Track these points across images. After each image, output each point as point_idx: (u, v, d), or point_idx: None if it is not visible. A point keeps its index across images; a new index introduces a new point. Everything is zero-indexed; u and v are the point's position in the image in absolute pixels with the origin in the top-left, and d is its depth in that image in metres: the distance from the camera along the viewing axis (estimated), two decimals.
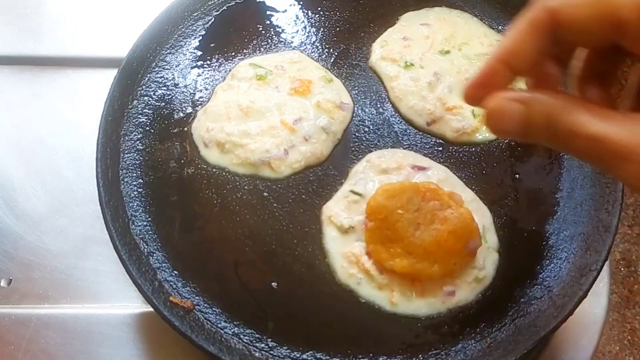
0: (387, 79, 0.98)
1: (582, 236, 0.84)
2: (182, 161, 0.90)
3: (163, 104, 0.95)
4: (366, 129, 0.94)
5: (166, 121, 0.93)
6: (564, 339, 0.90)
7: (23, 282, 0.90)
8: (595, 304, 0.92)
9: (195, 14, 1.03)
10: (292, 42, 1.02)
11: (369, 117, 0.95)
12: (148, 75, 0.96)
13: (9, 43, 1.15)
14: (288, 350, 0.76)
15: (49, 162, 1.02)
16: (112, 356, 0.85)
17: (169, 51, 1.00)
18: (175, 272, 0.81)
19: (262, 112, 0.91)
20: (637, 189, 0.46)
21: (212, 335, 0.76)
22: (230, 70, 0.98)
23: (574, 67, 0.56)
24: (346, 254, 0.81)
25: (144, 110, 0.94)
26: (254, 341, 0.77)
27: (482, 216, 0.85)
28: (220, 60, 1.00)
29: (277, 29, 1.04)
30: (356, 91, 0.98)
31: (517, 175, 0.90)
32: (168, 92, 0.96)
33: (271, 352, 0.76)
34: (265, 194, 0.87)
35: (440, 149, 0.92)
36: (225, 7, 1.05)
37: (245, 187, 0.88)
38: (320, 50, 1.02)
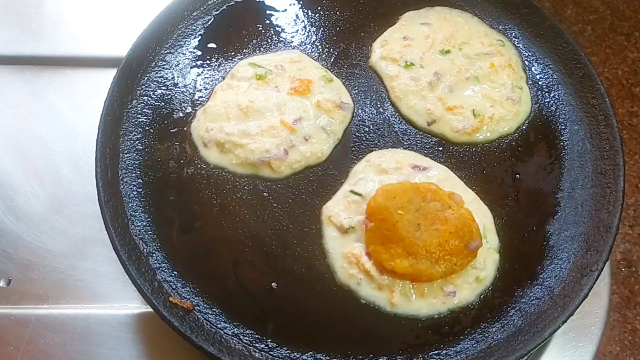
0: (387, 79, 0.98)
1: (582, 236, 0.84)
2: (182, 161, 0.89)
3: (162, 103, 0.94)
4: (366, 129, 0.94)
5: (166, 121, 0.93)
6: (565, 340, 0.89)
7: (22, 283, 0.90)
8: (596, 305, 0.92)
9: (194, 14, 1.03)
10: (292, 42, 1.02)
11: (369, 117, 0.95)
12: (147, 75, 0.96)
13: (9, 43, 1.15)
14: (288, 351, 0.76)
15: (48, 162, 1.02)
16: (111, 356, 0.85)
17: (168, 51, 0.99)
18: (175, 272, 0.81)
19: (261, 111, 0.91)
20: None
21: (211, 336, 0.76)
22: (229, 70, 0.98)
23: None
24: (346, 255, 0.81)
25: (144, 110, 0.93)
26: (254, 342, 0.76)
27: (482, 216, 0.85)
28: (219, 60, 1.00)
29: (277, 29, 1.03)
30: (356, 91, 0.97)
31: (518, 175, 0.90)
32: (167, 92, 0.95)
33: (271, 352, 0.76)
34: (265, 194, 0.87)
35: (441, 148, 0.92)
36: (225, 7, 1.05)
37: (245, 187, 0.88)
38: (320, 49, 1.02)
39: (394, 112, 0.95)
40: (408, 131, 0.94)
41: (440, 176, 0.88)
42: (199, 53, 1.00)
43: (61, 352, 0.85)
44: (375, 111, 0.96)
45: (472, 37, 1.01)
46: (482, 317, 0.79)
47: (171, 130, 0.92)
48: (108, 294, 0.89)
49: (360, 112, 0.95)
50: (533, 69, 1.01)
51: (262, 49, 1.01)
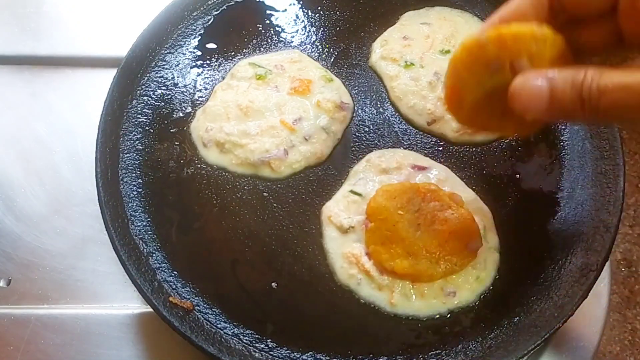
0: (387, 79, 0.98)
1: (582, 236, 0.84)
2: (182, 161, 0.89)
3: (162, 103, 0.94)
4: (366, 129, 0.94)
5: (165, 121, 0.93)
6: (565, 340, 0.89)
7: (22, 283, 0.90)
8: (596, 305, 0.92)
9: (194, 14, 1.03)
10: (292, 42, 1.02)
11: (369, 117, 0.95)
12: (147, 75, 0.96)
13: (8, 42, 1.15)
14: (288, 351, 0.76)
15: (47, 162, 1.02)
16: (111, 357, 0.85)
17: (168, 51, 0.99)
18: (175, 272, 0.81)
19: (261, 111, 0.91)
20: None
21: (211, 336, 0.76)
22: (229, 70, 0.98)
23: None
24: (346, 255, 0.81)
25: (144, 110, 0.93)
26: (254, 342, 0.76)
27: (483, 216, 0.85)
28: (219, 60, 1.00)
29: (277, 29, 1.03)
30: (356, 91, 0.97)
31: (518, 175, 0.90)
32: (167, 92, 0.95)
33: (271, 352, 0.76)
34: (265, 194, 0.87)
35: (441, 148, 0.92)
36: (225, 7, 1.05)
37: (245, 187, 0.88)
38: (320, 49, 1.02)
39: (394, 112, 0.95)
40: (408, 131, 0.94)
41: (441, 176, 0.88)
42: (199, 53, 1.00)
43: (61, 352, 0.85)
44: (375, 111, 0.96)
45: None
46: (482, 317, 0.79)
47: (171, 130, 0.92)
48: (108, 294, 0.89)
49: (360, 112, 0.95)
50: None
51: (262, 49, 1.01)
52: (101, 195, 0.83)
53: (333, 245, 0.82)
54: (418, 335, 0.77)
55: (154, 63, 0.97)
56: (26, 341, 0.85)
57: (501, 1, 1.04)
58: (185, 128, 0.92)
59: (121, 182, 0.86)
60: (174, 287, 0.79)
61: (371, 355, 0.76)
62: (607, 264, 0.84)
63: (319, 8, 1.06)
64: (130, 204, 0.85)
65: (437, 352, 0.77)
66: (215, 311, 0.78)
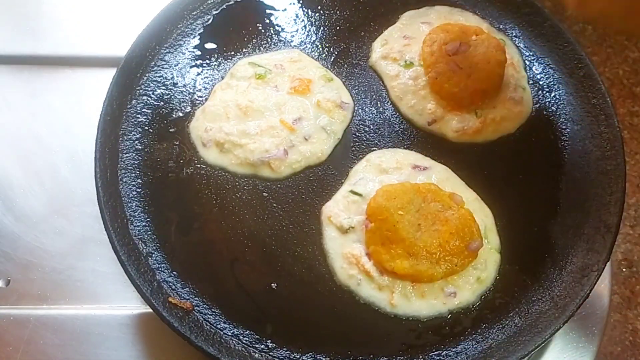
0: (388, 78, 0.97)
1: (583, 236, 0.84)
2: (181, 161, 0.89)
3: (162, 103, 0.94)
4: (366, 129, 0.94)
5: (165, 121, 0.93)
6: (566, 340, 0.89)
7: (21, 283, 0.90)
8: (597, 305, 0.92)
9: (194, 13, 1.03)
10: (291, 41, 1.02)
11: (369, 117, 0.95)
12: (147, 75, 0.96)
13: (8, 42, 1.15)
14: (288, 352, 0.76)
15: (47, 161, 1.01)
16: (110, 357, 0.85)
17: (168, 50, 0.99)
18: (174, 272, 0.80)
19: (261, 111, 0.91)
20: None
21: (211, 337, 0.75)
22: (229, 69, 0.97)
23: None
24: (346, 255, 0.81)
25: (143, 110, 0.93)
26: (254, 342, 0.76)
27: (484, 216, 0.85)
28: (219, 60, 0.99)
29: (277, 28, 1.03)
30: (356, 90, 0.97)
31: (519, 176, 0.90)
32: (167, 92, 0.95)
33: (271, 353, 0.75)
34: (264, 194, 0.87)
35: (441, 148, 0.92)
36: (224, 6, 1.05)
37: (245, 188, 0.87)
38: (320, 49, 1.01)
39: (394, 112, 0.95)
40: (408, 131, 0.93)
41: (441, 176, 0.87)
42: (199, 52, 1.00)
43: (60, 353, 0.84)
44: (375, 111, 0.95)
45: None
46: (482, 318, 0.79)
47: (170, 130, 0.92)
48: (107, 294, 0.89)
49: (360, 111, 0.95)
50: (534, 69, 1.00)
51: (261, 49, 1.01)
52: (100, 195, 0.83)
53: (333, 245, 0.82)
54: (418, 336, 0.77)
55: (153, 63, 0.97)
56: (25, 341, 0.85)
57: (501, 1, 1.06)
58: (184, 128, 0.92)
59: (120, 182, 0.86)
60: (173, 287, 0.79)
61: (371, 355, 0.76)
62: (608, 264, 0.83)
63: (319, 7, 1.06)
64: (129, 204, 0.85)
65: (438, 352, 0.76)
66: (214, 311, 0.78)
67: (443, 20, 1.03)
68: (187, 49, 1.00)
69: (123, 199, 0.85)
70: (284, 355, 0.75)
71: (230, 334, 0.76)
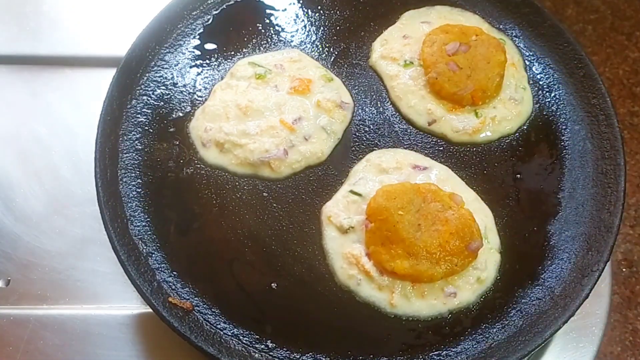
0: (387, 78, 0.97)
1: (583, 236, 0.84)
2: (181, 161, 0.89)
3: (162, 103, 0.94)
4: (366, 129, 0.93)
5: (165, 121, 0.93)
6: (566, 340, 0.89)
7: (21, 283, 0.90)
8: (597, 305, 0.92)
9: (194, 13, 1.03)
10: (291, 41, 1.02)
11: (369, 117, 0.95)
12: (147, 75, 0.96)
13: (8, 42, 1.15)
14: (288, 352, 0.76)
15: (47, 161, 1.01)
16: (110, 357, 0.85)
17: (168, 50, 0.99)
18: (174, 272, 0.80)
19: (261, 111, 0.91)
20: None
21: (211, 337, 0.75)
22: (229, 69, 0.97)
23: None
24: (346, 255, 0.81)
25: (143, 110, 0.93)
26: (254, 342, 0.76)
27: (484, 216, 0.85)
28: (219, 60, 0.99)
29: (277, 28, 1.03)
30: (356, 90, 0.97)
31: (519, 176, 0.90)
32: (167, 92, 0.95)
33: (271, 353, 0.75)
34: (264, 194, 0.87)
35: (441, 148, 0.92)
36: (224, 6, 1.05)
37: (245, 188, 0.87)
38: (320, 49, 1.01)
39: (394, 112, 0.95)
40: (408, 131, 0.93)
41: (441, 176, 0.87)
42: (198, 52, 1.00)
43: (60, 353, 0.84)
44: (375, 111, 0.95)
45: None
46: (482, 318, 0.79)
47: (170, 130, 0.92)
48: (107, 294, 0.89)
49: (360, 111, 0.95)
50: (534, 69, 1.00)
51: (261, 48, 1.01)
52: (100, 195, 0.83)
53: (333, 245, 0.82)
54: (418, 336, 0.77)
55: (153, 63, 0.97)
56: (25, 341, 0.85)
57: (501, 1, 1.06)
58: (184, 128, 0.92)
59: (120, 182, 0.86)
60: (173, 287, 0.79)
61: (371, 355, 0.76)
62: (608, 264, 0.83)
63: (319, 7, 1.06)
64: (129, 204, 0.84)
65: (438, 352, 0.76)
66: (214, 311, 0.78)
67: (443, 20, 1.02)
68: (187, 49, 1.00)
69: (123, 199, 0.85)
70: (284, 355, 0.75)
71: (230, 334, 0.76)
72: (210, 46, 1.00)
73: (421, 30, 1.01)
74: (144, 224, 0.84)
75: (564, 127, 0.94)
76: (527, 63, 1.01)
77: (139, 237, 0.82)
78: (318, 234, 0.84)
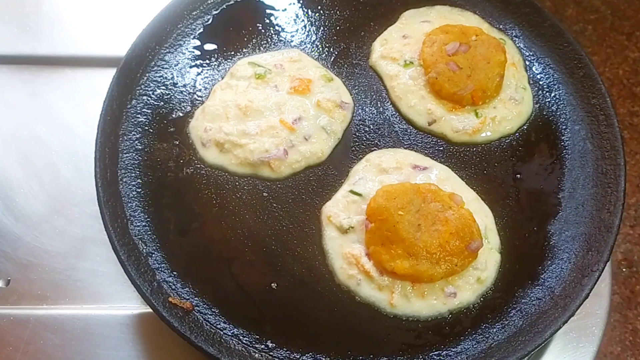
0: (387, 78, 0.97)
1: (583, 236, 0.84)
2: (181, 161, 0.89)
3: (162, 103, 0.94)
4: (366, 129, 0.93)
5: (165, 121, 0.93)
6: (566, 340, 0.89)
7: (21, 283, 0.90)
8: (597, 305, 0.92)
9: (194, 13, 1.03)
10: (291, 41, 1.02)
11: (369, 117, 0.95)
12: (147, 75, 0.96)
13: (8, 42, 1.15)
14: (288, 352, 0.76)
15: (47, 161, 1.01)
16: (110, 357, 0.85)
17: (167, 50, 0.99)
18: (174, 272, 0.80)
19: (261, 111, 0.91)
20: None
21: (211, 336, 0.75)
22: (229, 69, 0.97)
23: None
24: (346, 255, 0.81)
25: (143, 110, 0.93)
26: (254, 342, 0.76)
27: (484, 216, 0.85)
28: (219, 59, 0.99)
29: (277, 28, 1.03)
30: (356, 90, 0.97)
31: (519, 176, 0.90)
32: (167, 92, 0.95)
33: (271, 353, 0.75)
34: (264, 194, 0.87)
35: (441, 148, 0.92)
36: (224, 6, 1.05)
37: (245, 188, 0.87)
38: (320, 49, 1.01)
39: (394, 112, 0.95)
40: (408, 131, 0.93)
41: (441, 176, 0.87)
42: (198, 52, 1.00)
43: (60, 353, 0.84)
44: (375, 111, 0.95)
45: None
46: (483, 318, 0.79)
47: (170, 130, 0.92)
48: (107, 294, 0.89)
49: (360, 111, 0.95)
50: (534, 69, 1.00)
51: (261, 48, 1.01)
52: (100, 195, 0.83)
53: (333, 245, 0.82)
54: (418, 336, 0.77)
55: (153, 63, 0.97)
56: (25, 341, 0.85)
57: (501, 1, 1.06)
58: (184, 128, 0.92)
59: (120, 182, 0.86)
60: (173, 287, 0.79)
61: (371, 355, 0.76)
62: (608, 264, 0.83)
63: (319, 7, 1.06)
64: (129, 204, 0.84)
65: (438, 352, 0.76)
66: (214, 312, 0.78)
67: (443, 19, 1.03)
68: (187, 49, 1.00)
69: (123, 199, 0.85)
70: (284, 355, 0.75)
71: (230, 334, 0.76)
72: (210, 46, 1.00)
73: (421, 30, 1.01)
74: (143, 224, 0.84)
75: (564, 127, 0.94)
76: (527, 63, 1.01)
77: (139, 237, 0.82)
78: (318, 234, 0.84)
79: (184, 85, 0.96)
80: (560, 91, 0.97)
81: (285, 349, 0.76)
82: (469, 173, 0.89)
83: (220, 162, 0.88)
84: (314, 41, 1.02)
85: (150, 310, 0.76)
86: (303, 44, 1.02)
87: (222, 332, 0.76)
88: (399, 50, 0.99)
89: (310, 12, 1.05)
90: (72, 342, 0.85)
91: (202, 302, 0.78)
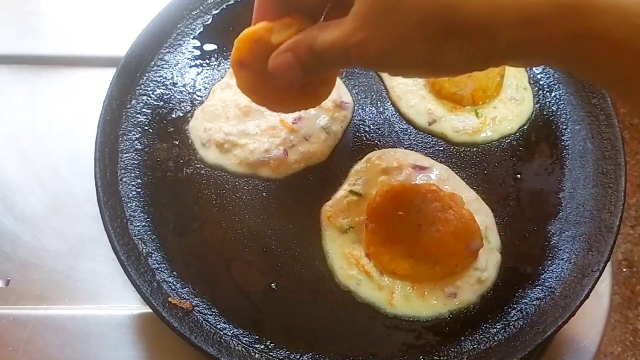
0: (387, 78, 0.97)
1: (584, 236, 0.84)
2: (181, 161, 0.89)
3: (162, 103, 0.94)
4: (366, 129, 0.93)
5: (164, 120, 0.93)
6: (566, 340, 0.89)
7: (21, 283, 0.90)
8: (597, 305, 0.91)
9: (194, 13, 1.03)
10: None
11: (369, 117, 0.95)
12: (147, 75, 0.96)
13: (7, 42, 1.15)
14: (287, 352, 0.76)
15: (47, 161, 1.01)
16: (110, 357, 0.84)
17: (167, 50, 0.99)
18: (174, 272, 0.80)
19: (261, 111, 0.90)
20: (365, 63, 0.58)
21: (211, 337, 0.75)
22: (229, 69, 0.97)
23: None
24: (346, 255, 0.81)
25: (143, 110, 0.93)
26: (254, 342, 0.76)
27: (484, 216, 0.84)
28: (219, 59, 0.99)
29: None
30: (356, 90, 0.97)
31: (519, 175, 0.90)
32: (167, 92, 0.95)
33: (270, 353, 0.75)
34: (264, 194, 0.87)
35: (442, 148, 0.91)
36: (224, 6, 1.05)
37: (245, 188, 0.87)
38: None
39: (394, 112, 0.95)
40: (408, 131, 0.93)
41: (441, 176, 0.87)
42: (198, 52, 1.00)
43: (60, 353, 0.84)
44: (375, 111, 0.95)
45: None
46: (483, 318, 0.79)
47: (170, 130, 0.92)
48: (107, 294, 0.89)
49: (360, 111, 0.95)
50: (534, 69, 1.00)
51: None
52: (100, 195, 0.83)
53: (333, 245, 0.82)
54: (418, 336, 0.77)
55: (153, 62, 0.97)
56: (25, 342, 0.85)
57: None
58: (184, 128, 0.92)
59: (120, 182, 0.86)
60: (173, 287, 0.79)
61: (371, 355, 0.76)
62: (609, 264, 0.83)
63: None
64: (129, 204, 0.84)
65: (438, 353, 0.76)
66: (214, 312, 0.78)
67: None
68: (186, 48, 1.00)
69: (123, 199, 0.85)
70: (284, 355, 0.75)
71: (230, 334, 0.76)
72: (210, 46, 1.00)
73: None
74: (143, 224, 0.84)
75: (564, 127, 0.94)
76: None
77: (139, 237, 0.82)
78: (318, 234, 0.84)
79: (184, 85, 0.96)
80: (561, 91, 0.97)
81: (285, 349, 0.76)
82: (469, 173, 0.89)
83: (220, 162, 0.88)
84: None
85: (150, 310, 0.76)
86: None
87: (222, 333, 0.76)
88: None
89: None
90: (72, 343, 0.85)
91: (202, 302, 0.78)
